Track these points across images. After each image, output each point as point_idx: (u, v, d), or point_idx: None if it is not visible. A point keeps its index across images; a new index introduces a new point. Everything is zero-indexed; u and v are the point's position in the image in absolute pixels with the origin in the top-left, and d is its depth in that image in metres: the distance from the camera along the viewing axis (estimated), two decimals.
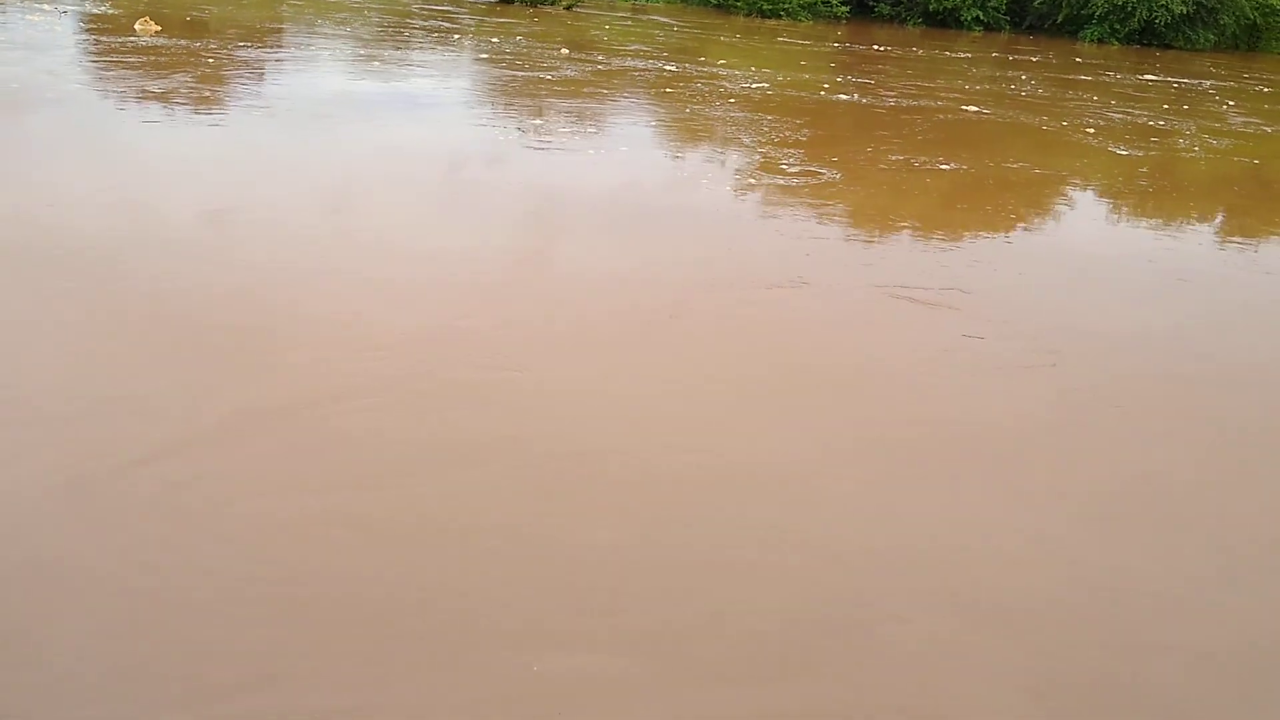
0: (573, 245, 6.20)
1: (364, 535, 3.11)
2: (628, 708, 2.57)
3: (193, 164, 6.97)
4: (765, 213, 7.15)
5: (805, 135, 10.07)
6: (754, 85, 12.82)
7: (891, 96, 13.01)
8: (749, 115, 10.63)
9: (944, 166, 9.09)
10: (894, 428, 4.13)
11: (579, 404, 4.05)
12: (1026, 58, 20.13)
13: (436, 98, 10.63)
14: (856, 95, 12.97)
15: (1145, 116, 13.40)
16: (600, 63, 13.73)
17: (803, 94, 12.87)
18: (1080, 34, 25.73)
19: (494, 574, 2.99)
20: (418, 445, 3.63)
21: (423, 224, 6.26)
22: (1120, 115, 13.26)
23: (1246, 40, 27.09)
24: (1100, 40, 25.30)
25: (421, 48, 14.12)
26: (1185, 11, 24.98)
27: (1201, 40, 25.66)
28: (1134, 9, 24.98)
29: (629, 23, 20.29)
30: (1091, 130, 11.74)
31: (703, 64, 14.76)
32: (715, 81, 12.84)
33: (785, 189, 7.73)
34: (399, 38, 14.83)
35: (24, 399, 3.70)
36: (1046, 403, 4.51)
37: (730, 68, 14.54)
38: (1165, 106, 14.56)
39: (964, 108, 12.67)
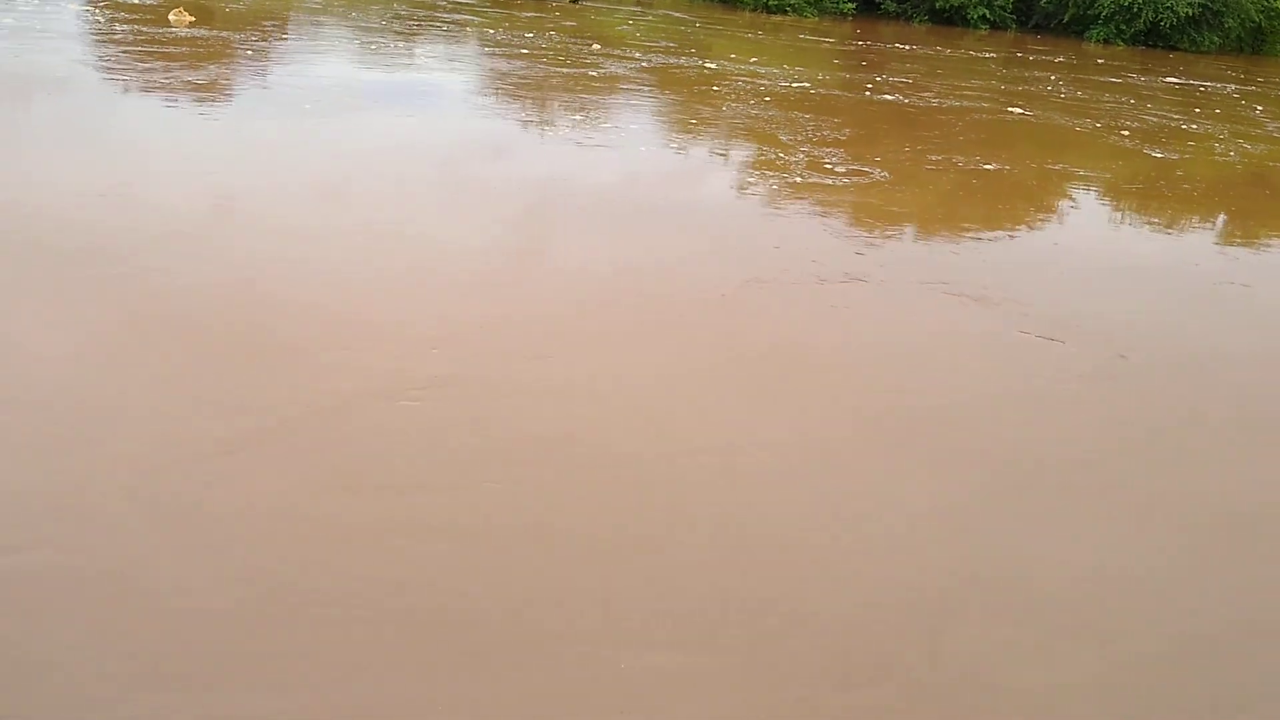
0: (618, 241, 6.15)
1: (419, 539, 3.08)
2: (706, 706, 2.61)
3: (222, 160, 6.86)
4: (814, 210, 7.18)
5: (847, 134, 10.15)
6: (794, 85, 12.87)
7: (931, 96, 13.10)
8: (790, 114, 10.68)
9: (987, 167, 9.20)
10: (948, 431, 4.13)
11: (634, 402, 4.05)
12: (1049, 58, 20.24)
13: (479, 91, 10.66)
14: (897, 95, 13.02)
15: (1178, 120, 13.55)
16: (639, 60, 13.75)
17: (842, 93, 12.94)
18: (1086, 34, 25.87)
19: (553, 574, 2.99)
20: (470, 445, 3.60)
21: (478, 222, 6.19)
22: (1154, 118, 13.39)
23: (1251, 43, 27.30)
24: (1106, 41, 25.44)
25: (457, 41, 14.09)
26: (1191, 13, 25.17)
27: (1206, 42, 25.84)
28: (1140, 10, 25.14)
29: (649, 18, 20.31)
30: (1126, 133, 11.87)
31: (734, 60, 14.79)
32: (754, 80, 12.89)
33: (832, 188, 7.78)
34: (433, 31, 14.77)
35: (50, 401, 3.60)
36: (1101, 406, 4.56)
37: (764, 65, 14.59)
38: (1196, 110, 14.73)
39: (1009, 109, 12.78)
